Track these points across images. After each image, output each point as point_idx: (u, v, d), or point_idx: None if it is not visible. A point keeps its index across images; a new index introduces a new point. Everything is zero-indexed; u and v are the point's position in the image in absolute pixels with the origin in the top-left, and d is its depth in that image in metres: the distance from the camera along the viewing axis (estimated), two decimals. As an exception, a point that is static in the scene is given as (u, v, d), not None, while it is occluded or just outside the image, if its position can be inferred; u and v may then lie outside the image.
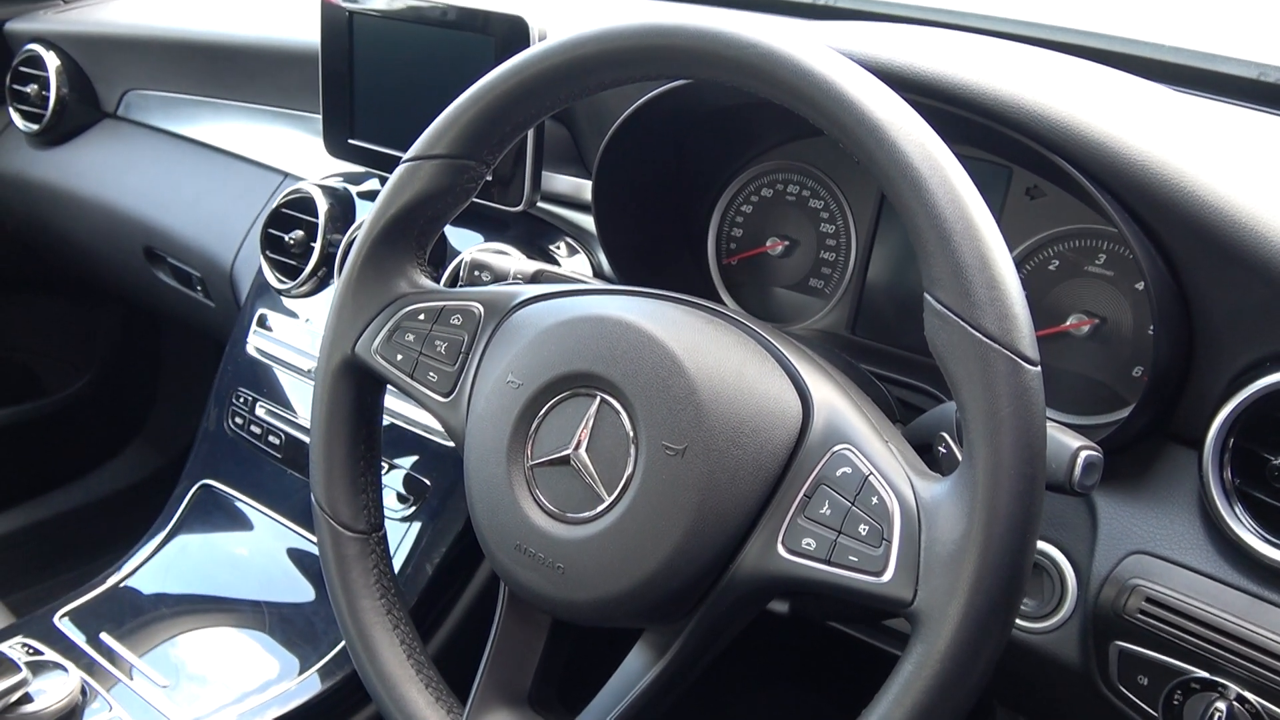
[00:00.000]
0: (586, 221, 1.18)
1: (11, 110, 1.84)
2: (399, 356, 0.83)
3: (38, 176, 1.82)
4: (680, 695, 0.75)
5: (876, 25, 1.03)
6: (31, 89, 1.80)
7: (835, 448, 0.67)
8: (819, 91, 0.67)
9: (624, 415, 0.71)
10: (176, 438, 2.27)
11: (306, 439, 1.24)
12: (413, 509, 1.14)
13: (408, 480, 1.15)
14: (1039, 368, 0.61)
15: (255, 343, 1.32)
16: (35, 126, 1.81)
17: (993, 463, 0.60)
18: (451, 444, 1.13)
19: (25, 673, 0.98)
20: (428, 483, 1.14)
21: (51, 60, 1.78)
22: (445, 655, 1.14)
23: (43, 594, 1.95)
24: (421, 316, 0.83)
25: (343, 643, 1.10)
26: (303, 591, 1.17)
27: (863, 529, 0.64)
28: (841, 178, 1.07)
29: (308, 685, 1.07)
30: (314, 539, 1.20)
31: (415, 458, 1.15)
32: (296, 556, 1.21)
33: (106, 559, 2.06)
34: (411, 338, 0.83)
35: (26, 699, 0.99)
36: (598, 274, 1.16)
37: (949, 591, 0.60)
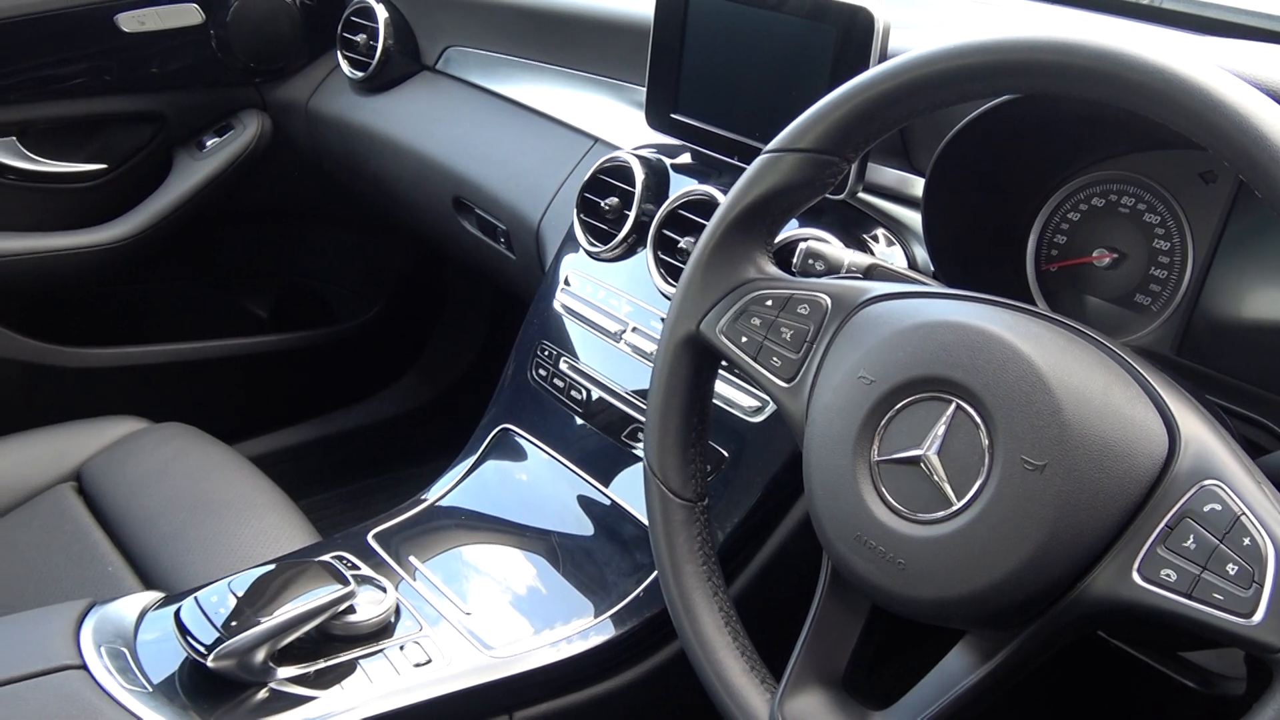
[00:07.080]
0: (902, 214, 1.19)
1: (340, 56, 1.98)
2: (744, 339, 0.87)
3: (358, 120, 1.95)
4: (995, 703, 0.77)
5: (1242, 44, 0.99)
6: (360, 38, 1.93)
7: (1204, 482, 0.67)
8: (1230, 124, 0.66)
9: (981, 425, 0.72)
10: (446, 373, 2.42)
11: (608, 396, 1.30)
12: (709, 479, 1.18)
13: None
14: None
15: (562, 300, 1.39)
16: (360, 74, 1.94)
17: None
18: (751, 419, 1.17)
19: (353, 585, 1.08)
20: (725, 454, 1.18)
21: (381, 12, 1.90)
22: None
23: (322, 504, 2.15)
24: (769, 303, 0.87)
25: (633, 594, 1.16)
26: (595, 539, 1.23)
27: (1231, 568, 0.64)
28: (1184, 195, 1.04)
29: (602, 628, 1.13)
30: (605, 489, 1.27)
31: (716, 430, 1.19)
32: (587, 504, 1.27)
33: (380, 478, 2.24)
34: (757, 322, 0.87)
35: (350, 610, 1.09)
36: (912, 267, 1.17)
37: None
